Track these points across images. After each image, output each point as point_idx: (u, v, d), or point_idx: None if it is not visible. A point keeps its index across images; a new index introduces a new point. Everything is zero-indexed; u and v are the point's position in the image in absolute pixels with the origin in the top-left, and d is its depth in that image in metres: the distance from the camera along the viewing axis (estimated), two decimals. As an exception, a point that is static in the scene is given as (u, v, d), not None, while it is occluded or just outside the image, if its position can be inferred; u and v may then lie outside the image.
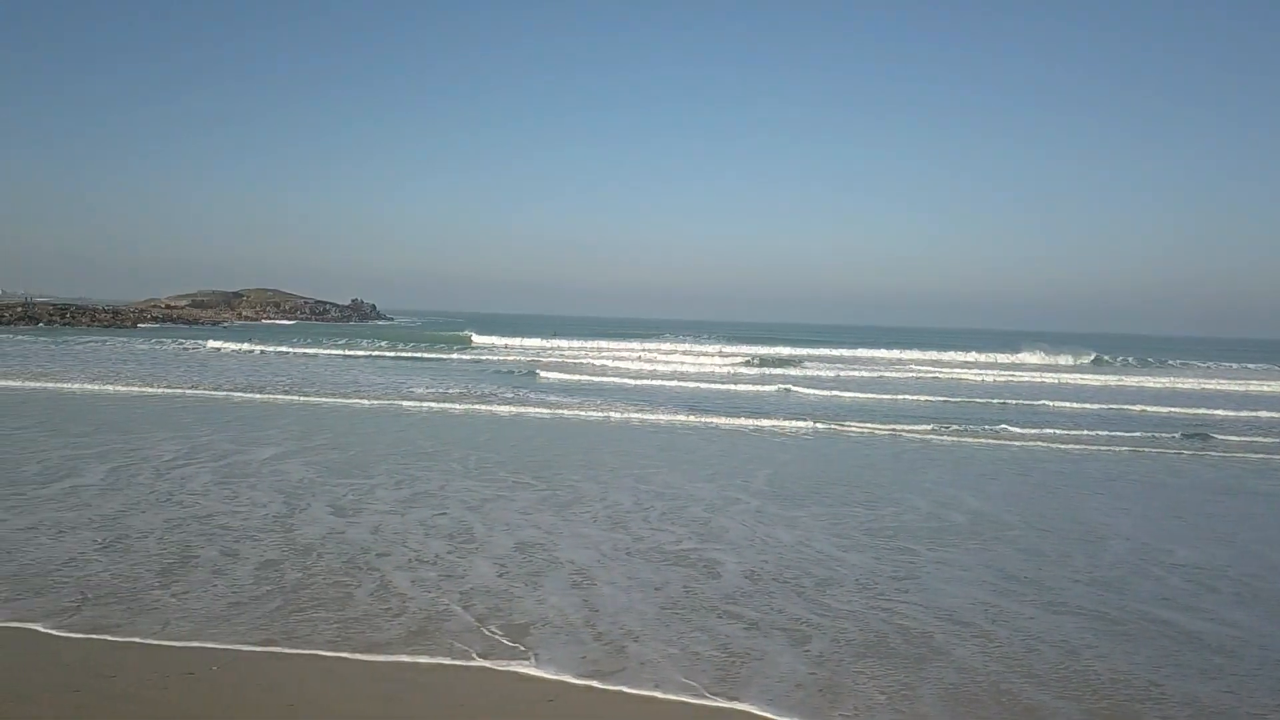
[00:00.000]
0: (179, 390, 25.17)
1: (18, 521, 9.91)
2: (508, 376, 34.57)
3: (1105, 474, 16.25)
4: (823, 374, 41.03)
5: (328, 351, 45.82)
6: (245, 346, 46.24)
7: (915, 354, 54.48)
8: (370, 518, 10.79)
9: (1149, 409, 28.67)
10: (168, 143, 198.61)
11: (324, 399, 24.17)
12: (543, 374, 35.98)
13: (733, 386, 33.02)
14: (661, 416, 22.60)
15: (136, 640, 6.64)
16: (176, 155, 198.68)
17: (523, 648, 6.79)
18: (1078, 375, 45.10)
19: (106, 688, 5.80)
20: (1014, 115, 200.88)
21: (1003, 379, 41.52)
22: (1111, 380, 42.23)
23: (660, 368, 41.72)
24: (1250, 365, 56.43)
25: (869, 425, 21.82)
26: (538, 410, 23.18)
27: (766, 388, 32.80)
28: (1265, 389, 39.42)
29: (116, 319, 66.91)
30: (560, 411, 23.09)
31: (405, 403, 23.87)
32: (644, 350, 53.49)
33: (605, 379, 35.04)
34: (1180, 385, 40.98)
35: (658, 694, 6.13)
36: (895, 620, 7.68)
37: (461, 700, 5.95)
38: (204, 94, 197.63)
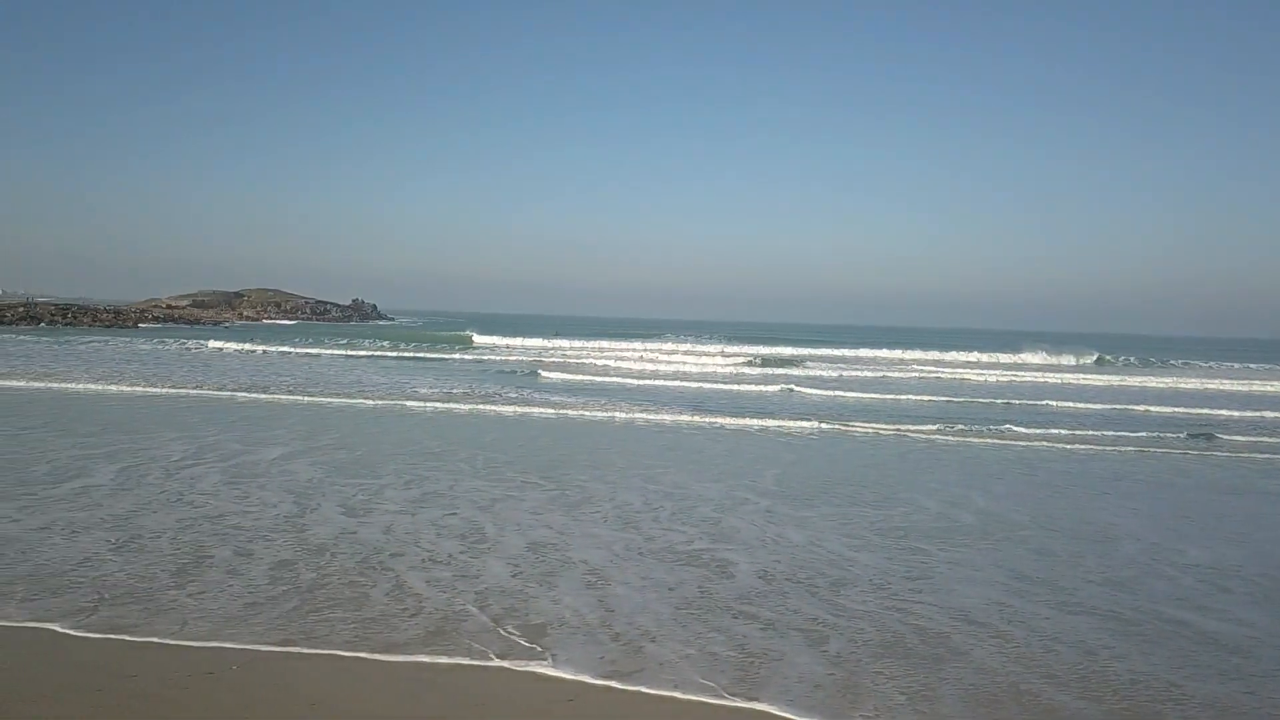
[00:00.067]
0: (183, 390, 25.17)
1: (30, 521, 9.91)
2: (510, 376, 34.57)
3: (1112, 474, 16.25)
4: (825, 374, 41.04)
5: (330, 351, 45.82)
6: (248, 346, 46.25)
7: (917, 354, 54.50)
8: (381, 518, 10.79)
9: (1153, 409, 28.67)
10: (168, 143, 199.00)
11: (329, 399, 24.17)
12: (545, 374, 35.98)
13: (736, 386, 33.03)
14: (666, 416, 22.60)
15: (155, 640, 6.64)
16: (176, 155, 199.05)
17: (540, 648, 6.79)
18: (1080, 375, 45.11)
19: (129, 687, 5.81)
20: (1014, 115, 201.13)
21: (1005, 379, 41.53)
22: (1114, 380, 42.24)
23: (663, 368, 41.73)
24: (1252, 365, 56.47)
25: (874, 425, 21.82)
26: (542, 410, 23.18)
27: (769, 388, 32.80)
28: (1268, 389, 39.44)
29: (118, 319, 66.90)
30: (565, 411, 23.09)
31: (410, 403, 23.87)
32: (646, 350, 53.49)
33: (608, 379, 35.04)
34: (1183, 385, 40.99)
35: (677, 694, 6.13)
36: (911, 620, 7.68)
37: (482, 700, 5.95)
38: (204, 94, 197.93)
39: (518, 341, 59.85)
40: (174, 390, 25.09)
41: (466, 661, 6.53)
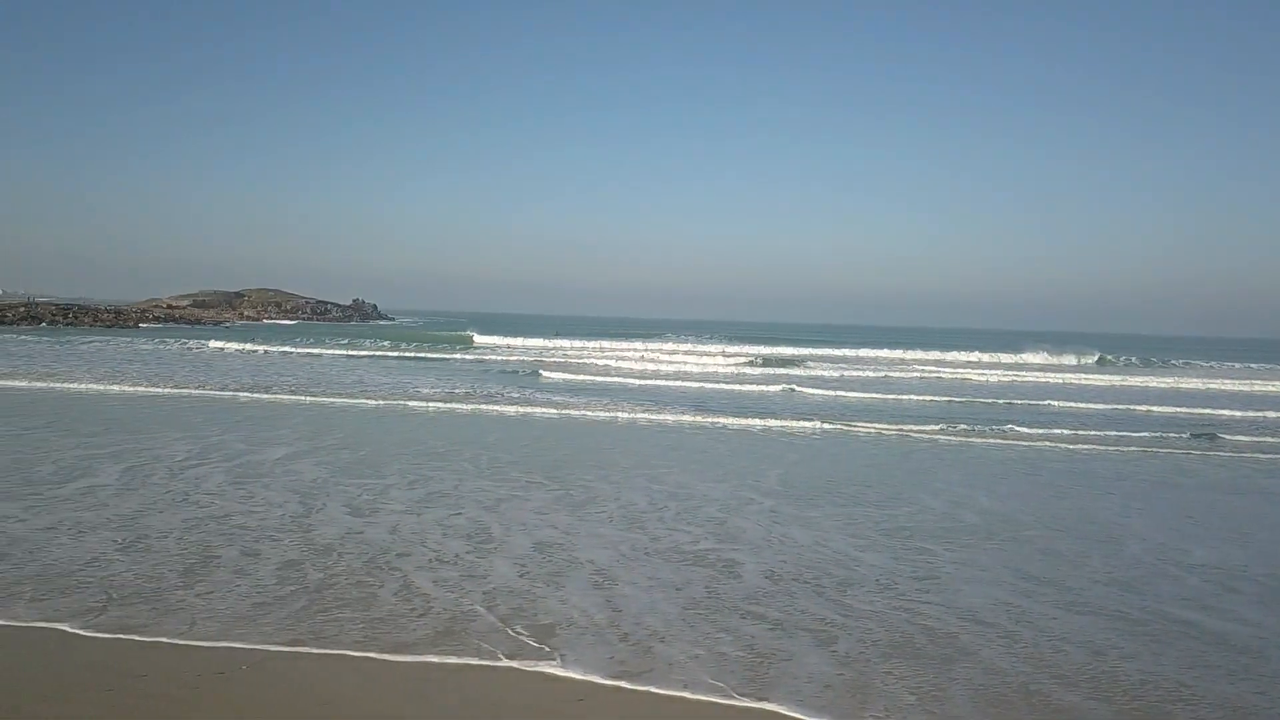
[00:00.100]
0: (186, 390, 25.17)
1: (37, 521, 9.91)
2: (512, 376, 34.58)
3: (1115, 474, 16.26)
4: (826, 374, 41.05)
5: (331, 351, 45.82)
6: (249, 346, 46.25)
7: (918, 354, 54.52)
8: (387, 518, 10.79)
9: (1155, 409, 28.68)
10: (168, 143, 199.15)
11: (331, 399, 24.17)
12: (547, 374, 35.98)
13: (737, 386, 33.03)
14: (668, 416, 22.61)
15: (164, 640, 6.64)
16: (176, 155, 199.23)
17: (549, 648, 6.79)
18: (1082, 375, 45.11)
19: (140, 687, 5.81)
20: (1014, 115, 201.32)
21: (1007, 379, 41.53)
22: (1116, 380, 42.25)
23: (664, 368, 41.74)
24: (1253, 365, 56.49)
25: (876, 425, 21.83)
26: (545, 410, 23.18)
27: (771, 388, 32.79)
28: (1270, 389, 39.44)
29: (119, 319, 66.89)
30: (568, 411, 23.10)
31: (412, 403, 23.87)
32: (646, 350, 53.51)
33: (609, 379, 35.05)
34: (1184, 385, 41.00)
35: (687, 694, 6.13)
36: (919, 620, 7.68)
37: (493, 700, 5.95)
38: (204, 94, 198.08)
39: (518, 341, 59.85)
40: (176, 390, 25.09)
41: (476, 662, 6.53)
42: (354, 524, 10.41)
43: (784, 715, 5.87)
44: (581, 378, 34.94)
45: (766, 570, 9.15)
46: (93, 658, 6.31)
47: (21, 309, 64.17)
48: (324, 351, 45.60)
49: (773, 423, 21.90)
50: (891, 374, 42.08)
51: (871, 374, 41.68)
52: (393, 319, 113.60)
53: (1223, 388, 40.36)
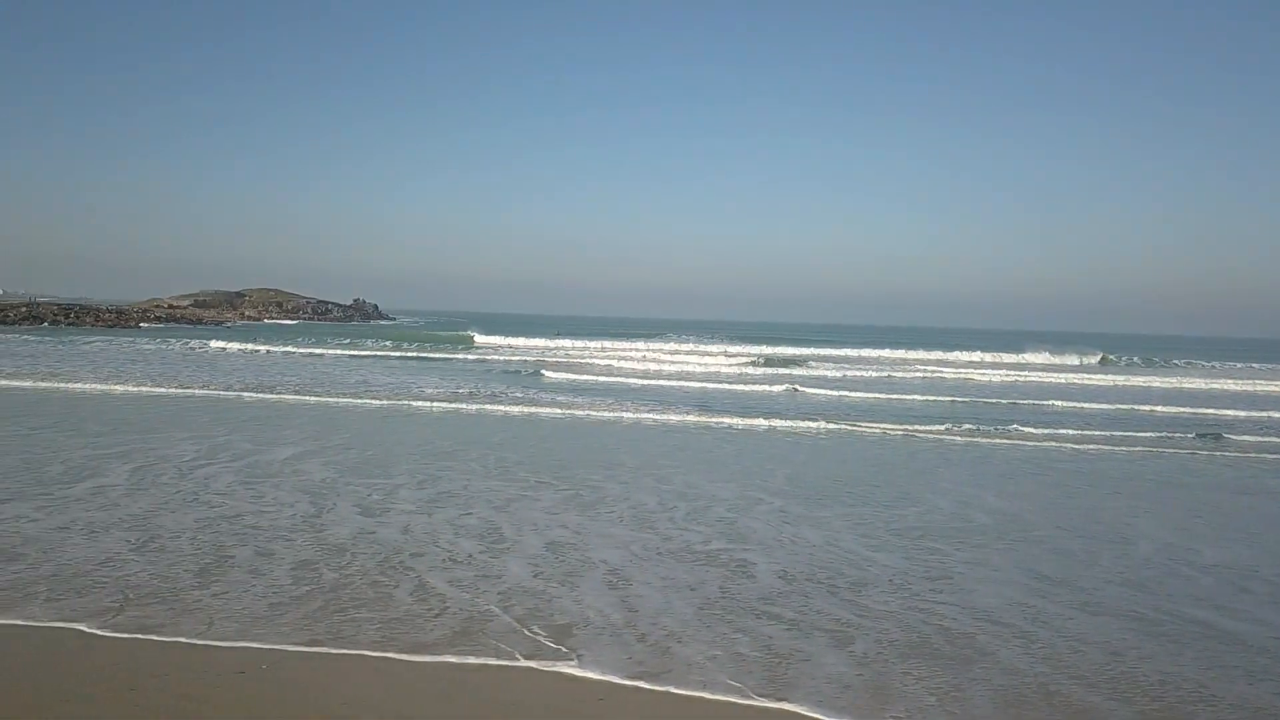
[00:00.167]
0: (190, 390, 25.17)
1: (49, 521, 9.91)
2: (515, 376, 34.59)
3: (1122, 474, 16.27)
4: (829, 374, 41.07)
5: (334, 351, 45.84)
6: (251, 346, 46.25)
7: (920, 354, 54.56)
8: (398, 518, 10.79)
9: (1159, 409, 28.69)
10: (168, 143, 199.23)
11: (335, 399, 24.17)
12: (549, 374, 35.99)
13: (740, 387, 33.04)
14: (673, 416, 22.61)
15: (182, 640, 6.64)
16: (177, 155, 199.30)
17: (566, 649, 6.79)
18: (1084, 375, 45.14)
19: (163, 687, 5.81)
20: (1014, 115, 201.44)
21: (1010, 379, 41.54)
22: (1119, 380, 42.27)
23: (666, 368, 41.77)
24: (1256, 365, 56.50)
25: (882, 425, 21.83)
26: (550, 410, 23.18)
27: (774, 388, 32.79)
28: (1273, 389, 39.44)
29: (120, 319, 66.92)
30: (573, 411, 23.09)
31: (416, 403, 23.87)
32: (648, 350, 53.55)
33: (612, 379, 35.06)
34: (1187, 385, 41.03)
35: (706, 694, 6.13)
36: (935, 621, 7.69)
37: (513, 700, 5.95)
38: (204, 94, 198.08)
39: (520, 341, 59.89)
40: (180, 390, 25.09)
41: (494, 662, 6.53)
42: (366, 524, 10.41)
43: (804, 716, 5.87)
44: (584, 378, 34.95)
45: (779, 570, 9.15)
46: (113, 658, 6.31)
47: (23, 309, 64.19)
48: (326, 351, 45.61)
49: (778, 423, 21.90)
50: (894, 374, 42.09)
51: (874, 374, 41.70)
52: (393, 319, 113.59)
53: (1226, 388, 40.38)
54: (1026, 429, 21.92)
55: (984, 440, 20.23)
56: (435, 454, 15.65)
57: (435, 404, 23.69)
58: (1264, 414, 28.03)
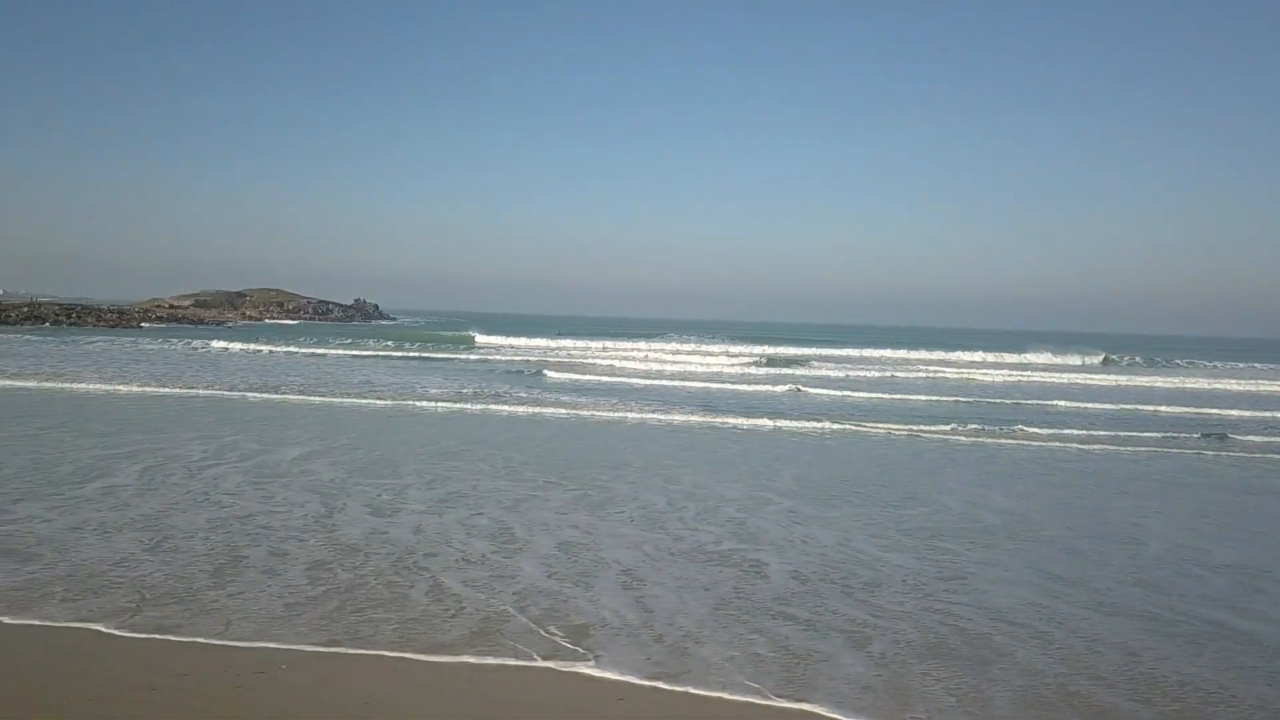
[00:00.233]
0: (194, 390, 25.17)
1: (62, 522, 9.91)
2: (517, 376, 34.59)
3: (1129, 474, 16.27)
4: (832, 374, 41.08)
5: (336, 351, 45.85)
6: (253, 346, 46.25)
7: (922, 354, 54.54)
8: (409, 518, 10.80)
9: (1163, 409, 28.69)
10: (168, 143, 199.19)
11: (339, 399, 24.17)
12: (551, 374, 35.99)
13: (743, 387, 33.04)
14: (677, 416, 22.60)
15: (200, 640, 6.65)
16: (177, 155, 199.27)
17: (583, 649, 6.79)
18: (1087, 375, 45.14)
19: (183, 687, 5.82)
20: (1014, 115, 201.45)
21: (1013, 379, 41.55)
22: (1122, 380, 42.27)
23: (668, 368, 41.77)
24: (1258, 365, 56.47)
25: (887, 425, 21.83)
26: (554, 410, 23.18)
27: (777, 388, 32.80)
28: (1277, 389, 39.44)
29: (121, 319, 66.90)
30: (577, 412, 23.10)
31: (420, 403, 23.87)
32: (650, 350, 53.55)
33: (615, 379, 35.06)
34: (1190, 385, 41.04)
35: (725, 695, 6.13)
36: (950, 621, 7.69)
37: (532, 701, 5.95)
38: (204, 94, 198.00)
39: (521, 341, 59.90)
40: (185, 390, 25.09)
41: (512, 662, 6.53)
42: (377, 524, 10.41)
43: (825, 717, 5.87)
44: (587, 378, 34.95)
45: (792, 570, 9.15)
46: (132, 658, 6.31)
47: (25, 309, 64.19)
48: (328, 351, 45.62)
49: (782, 423, 21.90)
50: (897, 374, 42.09)
51: (877, 374, 41.71)
52: (394, 319, 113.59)
53: (1228, 388, 40.38)
54: (1031, 429, 21.92)
55: (989, 440, 20.24)
56: (442, 454, 15.65)
57: (439, 404, 23.69)
58: (1268, 414, 28.03)
